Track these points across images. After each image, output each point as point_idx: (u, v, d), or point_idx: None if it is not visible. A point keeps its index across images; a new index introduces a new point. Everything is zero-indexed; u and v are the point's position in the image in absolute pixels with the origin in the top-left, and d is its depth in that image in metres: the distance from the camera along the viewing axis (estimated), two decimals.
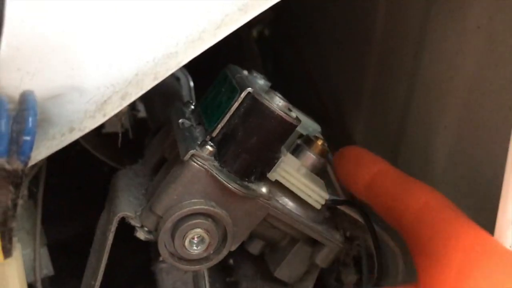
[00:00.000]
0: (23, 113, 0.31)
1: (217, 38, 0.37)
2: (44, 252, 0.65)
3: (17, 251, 0.34)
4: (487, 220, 0.50)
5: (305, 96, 0.83)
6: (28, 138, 0.31)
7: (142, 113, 0.81)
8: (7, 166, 0.30)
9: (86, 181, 0.88)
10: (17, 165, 0.31)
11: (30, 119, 0.31)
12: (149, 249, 0.74)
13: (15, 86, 0.36)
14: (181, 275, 0.69)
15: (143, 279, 0.83)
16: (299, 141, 0.55)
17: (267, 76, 0.54)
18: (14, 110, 0.32)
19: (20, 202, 0.33)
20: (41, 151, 0.37)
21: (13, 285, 0.33)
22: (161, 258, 0.49)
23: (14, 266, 0.33)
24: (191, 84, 0.82)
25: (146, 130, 0.71)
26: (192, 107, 0.55)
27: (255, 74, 0.52)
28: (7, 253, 0.33)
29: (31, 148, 0.31)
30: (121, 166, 0.84)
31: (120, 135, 0.52)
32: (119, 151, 0.81)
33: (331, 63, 0.80)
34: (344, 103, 0.76)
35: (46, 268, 0.65)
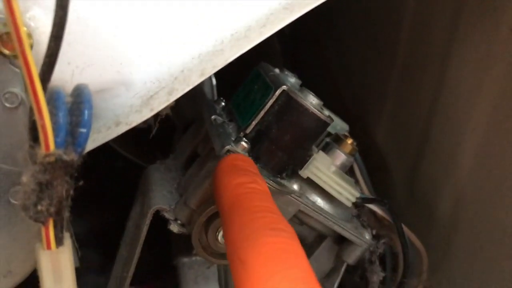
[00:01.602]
0: (79, 105, 0.32)
1: (262, 37, 0.38)
2: (73, 244, 0.65)
3: (67, 240, 0.35)
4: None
5: (326, 96, 0.84)
6: (84, 130, 0.32)
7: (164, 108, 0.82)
8: (64, 157, 0.31)
9: (100, 176, 0.89)
10: (72, 156, 0.32)
11: (86, 112, 0.32)
12: (169, 244, 0.75)
13: (65, 80, 0.36)
14: (203, 270, 0.70)
15: (160, 274, 0.84)
16: (328, 139, 0.56)
17: None
18: (68, 103, 0.33)
19: (72, 192, 0.33)
20: (87, 144, 0.38)
21: (66, 272, 0.34)
22: (194, 252, 0.49)
23: (66, 254, 0.34)
24: (214, 81, 0.82)
25: (168, 126, 0.71)
26: (223, 103, 0.56)
27: (286, 72, 0.53)
28: (59, 242, 0.34)
29: (86, 140, 0.32)
30: (141, 161, 0.85)
31: (152, 130, 0.52)
32: (140, 146, 0.81)
33: (354, 64, 0.80)
34: (367, 104, 0.77)
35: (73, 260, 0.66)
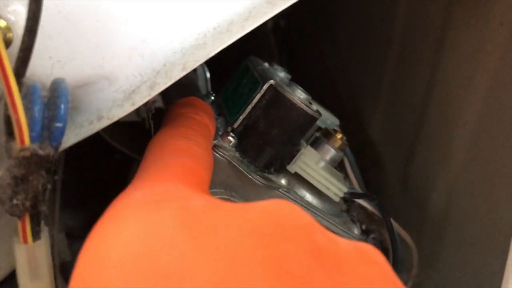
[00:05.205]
0: (55, 100, 0.32)
1: (245, 31, 0.38)
2: (62, 238, 0.66)
3: (45, 234, 0.35)
4: (504, 217, 0.50)
5: (321, 90, 0.84)
6: (60, 124, 0.32)
7: (158, 102, 0.82)
8: (40, 152, 0.31)
9: (97, 169, 0.89)
10: (48, 150, 0.31)
11: (62, 106, 0.32)
12: None
13: (46, 74, 0.36)
14: None
15: None
16: (317, 134, 0.56)
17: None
18: (45, 97, 0.33)
19: (49, 187, 0.33)
20: (69, 138, 0.38)
21: (42, 266, 0.34)
22: None
23: (43, 248, 0.34)
24: (207, 75, 0.82)
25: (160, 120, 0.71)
26: (212, 98, 0.56)
27: (276, 66, 0.53)
28: (36, 236, 0.34)
29: (62, 135, 0.32)
30: (136, 155, 0.84)
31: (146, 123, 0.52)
32: (135, 140, 0.81)
33: (349, 57, 0.80)
34: (361, 98, 0.76)
35: (64, 254, 0.66)
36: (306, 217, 0.28)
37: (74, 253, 0.72)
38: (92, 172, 0.88)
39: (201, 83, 0.82)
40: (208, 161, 0.38)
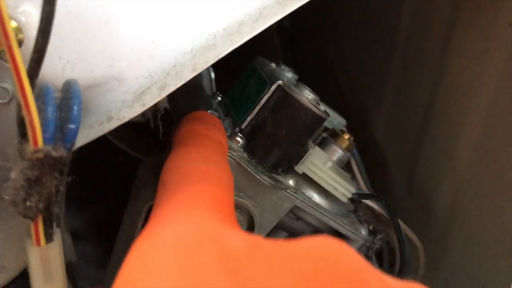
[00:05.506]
0: (68, 101, 0.32)
1: (255, 31, 0.38)
2: (67, 239, 0.66)
3: (57, 236, 0.34)
4: (511, 218, 0.50)
5: (325, 90, 0.84)
6: (73, 126, 0.31)
7: (164, 102, 0.82)
8: (53, 153, 0.31)
9: (100, 169, 0.89)
10: (62, 152, 0.31)
11: (75, 107, 0.32)
12: None
13: (57, 75, 0.36)
14: None
15: None
16: (325, 135, 0.56)
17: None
18: (57, 98, 0.33)
19: (62, 188, 0.33)
20: (79, 139, 0.38)
21: (56, 268, 0.34)
22: None
23: (56, 250, 0.34)
24: (212, 75, 0.82)
25: (168, 119, 0.71)
26: (219, 98, 0.56)
27: (283, 67, 0.53)
28: (49, 238, 0.34)
29: (75, 136, 0.32)
30: (140, 156, 0.84)
31: (151, 124, 0.52)
32: (139, 141, 0.81)
33: (353, 58, 0.80)
34: (366, 98, 0.76)
35: (69, 254, 0.66)
36: (358, 260, 0.27)
37: (78, 253, 0.72)
38: (95, 172, 0.88)
39: (205, 83, 0.82)
40: (230, 184, 0.37)
